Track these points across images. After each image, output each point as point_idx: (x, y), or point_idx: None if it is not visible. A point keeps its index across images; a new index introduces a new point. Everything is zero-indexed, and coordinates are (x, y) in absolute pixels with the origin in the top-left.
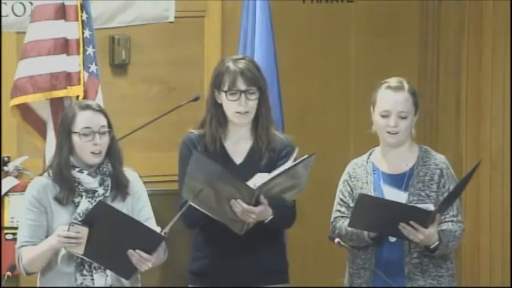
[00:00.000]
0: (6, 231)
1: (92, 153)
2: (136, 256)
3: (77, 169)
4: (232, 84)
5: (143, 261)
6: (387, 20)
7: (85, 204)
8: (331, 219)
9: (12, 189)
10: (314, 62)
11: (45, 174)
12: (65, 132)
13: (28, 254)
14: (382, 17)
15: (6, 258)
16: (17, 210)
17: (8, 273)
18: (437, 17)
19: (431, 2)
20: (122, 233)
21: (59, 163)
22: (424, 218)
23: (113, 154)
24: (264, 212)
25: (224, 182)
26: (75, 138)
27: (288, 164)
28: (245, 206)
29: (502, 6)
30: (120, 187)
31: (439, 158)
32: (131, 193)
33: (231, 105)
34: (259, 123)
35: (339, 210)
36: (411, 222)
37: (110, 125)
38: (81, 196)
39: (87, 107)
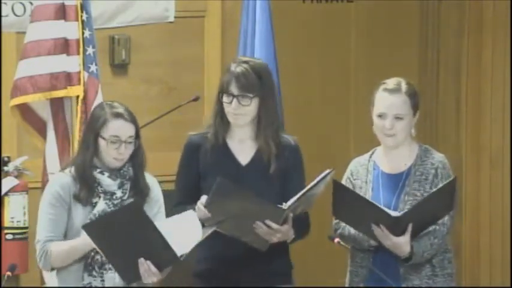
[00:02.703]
0: (6, 231)
1: (115, 158)
2: (145, 267)
3: (98, 170)
4: (226, 87)
5: (150, 274)
6: (387, 20)
7: (102, 206)
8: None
9: (12, 189)
10: (314, 62)
11: (67, 171)
12: (92, 133)
13: (58, 248)
14: (382, 17)
15: (6, 258)
16: (17, 210)
17: (8, 273)
18: (437, 17)
19: (431, 2)
20: (142, 240)
21: (83, 162)
22: (389, 223)
23: (135, 160)
24: (288, 231)
25: (250, 204)
26: (102, 142)
27: (312, 182)
28: (274, 226)
29: (502, 6)
30: (141, 193)
31: (437, 157)
32: (148, 198)
33: (225, 106)
34: (259, 128)
35: None
36: (380, 225)
37: (137, 133)
38: (99, 197)
39: (119, 116)
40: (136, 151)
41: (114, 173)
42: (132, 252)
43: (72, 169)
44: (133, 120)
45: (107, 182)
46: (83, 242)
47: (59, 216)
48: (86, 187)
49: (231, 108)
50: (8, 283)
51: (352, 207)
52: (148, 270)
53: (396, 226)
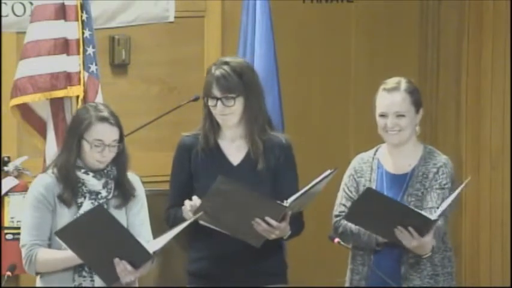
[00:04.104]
0: (6, 231)
1: (98, 161)
2: (121, 267)
3: (83, 170)
4: (209, 90)
5: (127, 273)
6: (387, 20)
7: (88, 206)
8: (335, 213)
9: (12, 189)
10: (314, 62)
11: (49, 172)
12: (76, 136)
13: (46, 255)
14: (382, 17)
15: (6, 258)
16: (17, 210)
17: (8, 273)
18: (437, 17)
19: (431, 2)
20: (112, 241)
21: (66, 164)
22: (424, 226)
23: (119, 161)
24: (286, 228)
25: (251, 201)
26: (85, 145)
27: (314, 181)
28: (274, 223)
29: (502, 6)
30: (126, 194)
31: (440, 159)
32: (131, 197)
33: (212, 108)
34: (247, 128)
35: (344, 205)
36: (409, 228)
37: (121, 137)
38: (84, 197)
39: (104, 120)
40: (119, 154)
41: (99, 172)
42: (107, 253)
43: (55, 170)
44: (118, 124)
45: (91, 182)
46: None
47: (44, 218)
48: (70, 188)
49: (217, 110)
50: (8, 283)
51: (378, 212)
52: (124, 269)
53: (428, 227)
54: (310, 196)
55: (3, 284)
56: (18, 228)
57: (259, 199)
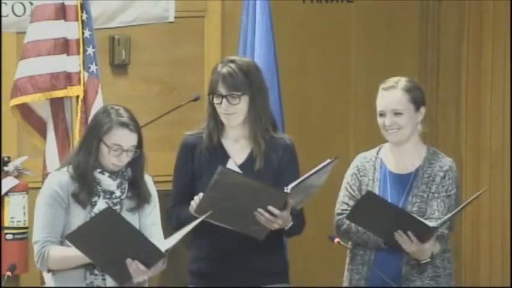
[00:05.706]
0: (6, 231)
1: (113, 164)
2: (134, 266)
3: (98, 170)
4: (214, 88)
5: (139, 272)
6: (387, 20)
7: (102, 205)
8: (337, 211)
9: (12, 189)
10: (314, 62)
11: (63, 170)
12: (96, 138)
13: (59, 253)
14: (382, 17)
15: (6, 258)
16: (17, 210)
17: (8, 273)
18: (437, 17)
19: (431, 2)
20: (124, 241)
21: (85, 165)
22: (423, 233)
23: (136, 164)
24: (288, 217)
25: (252, 191)
26: (104, 148)
27: (313, 169)
28: (277, 212)
29: (502, 6)
30: (142, 197)
31: (445, 161)
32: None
33: (216, 107)
34: (250, 127)
35: (347, 203)
36: (408, 233)
37: (140, 143)
38: (99, 196)
39: (125, 125)
40: (138, 157)
41: (114, 173)
42: (119, 254)
43: (70, 168)
44: (137, 130)
45: (107, 182)
46: None
47: (57, 216)
48: (87, 189)
49: (221, 109)
50: (8, 283)
51: (379, 215)
52: (137, 269)
53: (429, 234)
54: (311, 190)
55: (3, 284)
56: (18, 228)
57: (260, 187)
